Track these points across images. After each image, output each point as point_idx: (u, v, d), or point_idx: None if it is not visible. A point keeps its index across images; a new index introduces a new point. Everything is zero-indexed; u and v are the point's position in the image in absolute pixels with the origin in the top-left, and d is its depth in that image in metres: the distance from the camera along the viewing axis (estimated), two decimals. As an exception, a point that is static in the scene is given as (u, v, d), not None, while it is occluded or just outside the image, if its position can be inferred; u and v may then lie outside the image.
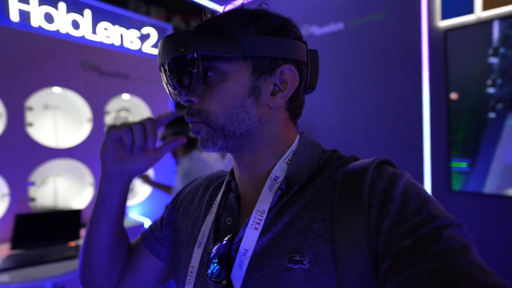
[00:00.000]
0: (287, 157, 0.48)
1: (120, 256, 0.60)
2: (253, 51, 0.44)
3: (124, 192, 0.57)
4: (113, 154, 0.53)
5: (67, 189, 2.38)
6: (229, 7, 0.49)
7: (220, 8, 0.54)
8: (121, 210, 0.57)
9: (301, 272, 0.39)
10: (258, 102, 0.46)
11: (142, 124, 0.52)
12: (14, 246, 1.78)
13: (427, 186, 2.06)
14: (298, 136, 0.51)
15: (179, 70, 0.44)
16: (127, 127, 0.52)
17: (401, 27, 2.20)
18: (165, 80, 0.47)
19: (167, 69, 0.45)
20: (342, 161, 0.47)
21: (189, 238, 0.55)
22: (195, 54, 0.43)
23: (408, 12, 2.15)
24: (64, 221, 1.96)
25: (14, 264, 1.59)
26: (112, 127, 0.52)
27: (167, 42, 0.44)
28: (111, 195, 0.55)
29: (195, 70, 0.43)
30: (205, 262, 0.48)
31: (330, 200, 0.42)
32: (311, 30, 2.81)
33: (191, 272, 0.49)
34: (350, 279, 0.37)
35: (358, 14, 2.45)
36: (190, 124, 0.48)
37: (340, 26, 2.59)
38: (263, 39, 0.45)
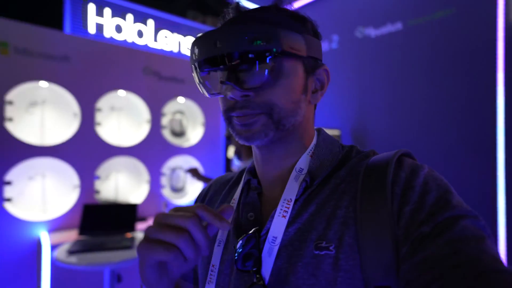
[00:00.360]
0: (310, 150, 0.51)
1: None
2: (309, 51, 0.48)
3: None
4: (158, 278, 0.40)
5: (126, 184, 2.60)
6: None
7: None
8: None
9: (328, 258, 0.41)
10: (306, 99, 0.49)
11: (185, 233, 0.37)
12: (81, 232, 2.01)
13: (501, 201, 1.82)
14: (315, 131, 0.55)
15: (249, 64, 0.43)
16: (165, 247, 0.36)
17: (470, 24, 1.99)
18: (220, 74, 0.46)
19: (228, 61, 0.43)
20: (362, 155, 0.50)
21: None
22: (276, 49, 0.42)
23: (479, 8, 1.94)
24: (122, 214, 2.14)
25: (81, 248, 1.78)
26: (144, 247, 0.37)
27: (238, 33, 0.42)
28: None
29: (271, 64, 0.43)
30: (226, 258, 0.49)
31: (353, 189, 0.44)
32: (366, 32, 2.69)
33: (211, 271, 0.50)
34: (372, 263, 0.38)
35: (418, 13, 2.28)
36: (237, 117, 0.46)
37: (398, 26, 2.44)
38: (313, 40, 0.49)
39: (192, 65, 0.48)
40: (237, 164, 2.28)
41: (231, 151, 3.33)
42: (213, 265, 0.50)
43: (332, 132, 2.64)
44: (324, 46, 3.01)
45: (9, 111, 2.01)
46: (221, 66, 0.44)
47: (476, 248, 0.34)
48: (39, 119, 2.19)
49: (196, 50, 0.45)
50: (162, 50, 3.10)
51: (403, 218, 0.39)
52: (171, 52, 3.17)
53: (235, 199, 0.54)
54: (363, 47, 2.68)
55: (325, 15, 3.03)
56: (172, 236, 0.36)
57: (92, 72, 2.30)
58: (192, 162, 2.90)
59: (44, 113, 2.22)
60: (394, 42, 2.43)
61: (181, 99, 2.84)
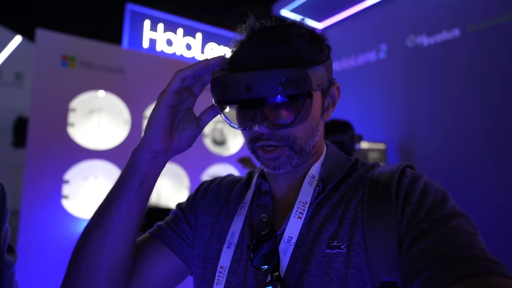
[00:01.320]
0: (321, 160, 0.55)
1: (130, 258, 0.50)
2: (328, 77, 0.51)
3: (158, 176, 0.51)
4: (164, 127, 0.49)
5: (168, 189, 2.72)
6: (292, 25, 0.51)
7: (318, 25, 0.55)
8: (148, 199, 0.50)
9: (340, 257, 0.44)
10: (322, 120, 0.54)
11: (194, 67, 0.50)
12: None
13: None
14: (324, 143, 0.58)
15: (281, 106, 0.46)
16: (184, 72, 0.49)
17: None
18: (248, 114, 0.48)
19: (258, 104, 0.44)
20: (367, 166, 0.55)
21: (213, 235, 0.56)
22: (307, 91, 0.44)
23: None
24: (163, 217, 2.23)
25: None
26: (165, 92, 0.49)
27: (270, 78, 0.43)
28: (153, 179, 0.50)
29: (301, 105, 0.46)
30: (238, 258, 0.51)
31: (361, 194, 0.49)
32: (418, 41, 2.53)
33: (220, 272, 0.51)
34: (379, 259, 0.42)
35: (480, 18, 2.08)
36: (262, 150, 0.50)
37: (455, 33, 2.25)
38: (328, 63, 0.52)
39: (215, 100, 0.49)
40: None
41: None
42: (221, 267, 0.51)
43: (377, 146, 2.49)
44: (371, 56, 2.90)
45: (71, 117, 2.24)
46: (250, 104, 0.45)
47: (467, 240, 0.38)
48: (95, 125, 2.41)
49: (224, 89, 0.46)
50: (208, 62, 3.23)
51: (405, 218, 0.43)
52: (216, 63, 3.29)
53: (246, 202, 0.56)
54: (413, 56, 2.51)
55: (373, 24, 2.91)
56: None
57: (143, 83, 2.48)
58: (231, 171, 2.94)
59: (100, 120, 2.43)
60: (450, 50, 2.24)
61: (223, 109, 2.92)
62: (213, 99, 0.50)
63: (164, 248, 0.57)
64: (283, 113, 0.47)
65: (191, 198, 0.64)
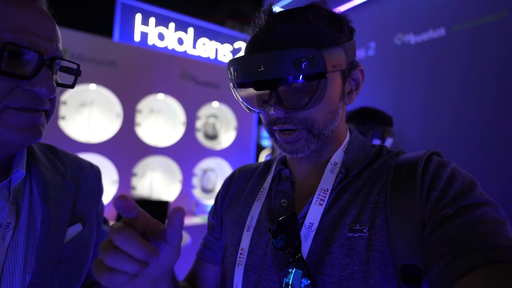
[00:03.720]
0: (344, 146, 0.54)
1: None
2: (348, 59, 0.48)
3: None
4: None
5: (160, 182, 2.74)
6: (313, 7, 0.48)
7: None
8: None
9: (362, 240, 0.44)
10: (342, 104, 0.51)
11: (113, 246, 0.35)
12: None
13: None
14: (347, 129, 0.57)
15: (293, 86, 0.45)
16: (109, 273, 0.34)
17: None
18: (263, 96, 0.47)
19: (271, 85, 0.44)
20: (392, 153, 0.53)
21: (233, 225, 0.58)
22: (321, 72, 0.42)
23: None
24: (156, 209, 2.25)
25: None
26: (101, 277, 0.34)
27: (283, 58, 0.42)
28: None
29: (315, 86, 0.44)
30: (257, 241, 0.52)
31: (385, 179, 0.48)
32: (405, 39, 2.60)
33: (240, 254, 0.52)
34: (400, 243, 0.41)
35: (464, 18, 2.16)
36: (280, 132, 0.49)
37: (440, 32, 2.32)
38: (350, 44, 0.49)
39: (231, 83, 0.49)
40: None
41: (263, 156, 3.37)
42: (242, 249, 0.53)
43: (364, 140, 2.56)
44: (360, 53, 2.96)
45: (62, 110, 2.23)
46: (264, 85, 0.45)
47: (493, 228, 0.36)
48: (86, 118, 2.41)
49: (237, 71, 0.46)
50: (199, 57, 3.24)
51: (430, 203, 0.42)
52: (208, 58, 3.31)
53: (266, 187, 0.57)
54: (402, 54, 2.59)
55: (362, 22, 2.97)
56: (108, 260, 0.34)
57: (135, 76, 2.48)
58: (223, 164, 2.98)
59: (92, 113, 2.43)
60: (436, 48, 2.32)
61: (215, 104, 2.95)
62: (229, 82, 0.50)
63: (202, 263, 0.62)
64: (298, 95, 0.45)
65: (215, 204, 0.66)
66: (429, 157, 0.47)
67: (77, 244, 0.57)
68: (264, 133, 5.04)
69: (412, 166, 0.46)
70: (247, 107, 0.50)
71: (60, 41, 0.50)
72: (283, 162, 0.59)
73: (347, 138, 0.55)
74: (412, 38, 2.54)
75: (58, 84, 0.50)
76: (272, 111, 0.45)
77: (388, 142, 1.53)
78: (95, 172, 0.68)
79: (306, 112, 0.46)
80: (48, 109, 0.49)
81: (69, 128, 2.27)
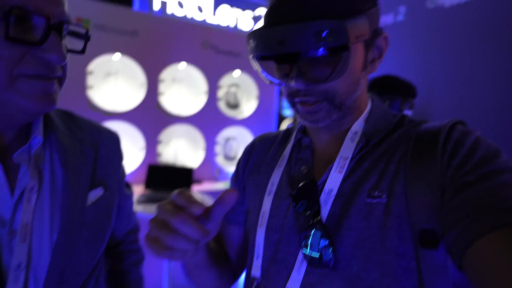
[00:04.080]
0: (365, 115, 0.53)
1: (219, 266, 0.60)
2: (371, 27, 0.46)
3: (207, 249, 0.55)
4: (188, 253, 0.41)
5: (184, 149, 2.83)
6: None
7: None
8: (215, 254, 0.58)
9: (380, 206, 0.45)
10: (364, 74, 0.50)
11: (170, 228, 0.39)
12: (146, 186, 2.32)
13: None
14: (369, 98, 0.56)
15: (314, 59, 0.44)
16: (168, 251, 0.39)
17: None
18: (284, 69, 0.47)
19: (292, 58, 0.43)
20: (415, 122, 0.52)
21: (255, 189, 0.61)
22: (343, 44, 0.42)
23: None
24: (180, 175, 2.36)
25: (146, 199, 2.08)
26: (154, 251, 0.39)
27: (304, 31, 0.41)
28: (200, 263, 0.55)
29: (337, 59, 0.43)
30: (278, 204, 0.54)
31: (405, 148, 0.48)
32: (439, 2, 2.43)
33: (262, 217, 0.55)
34: (419, 209, 0.42)
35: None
36: (301, 104, 0.49)
37: (478, -9, 2.15)
38: (373, 11, 0.47)
39: (252, 56, 0.49)
40: None
41: (285, 126, 3.38)
42: (263, 212, 0.55)
43: (389, 108, 2.49)
44: (388, 18, 2.80)
45: (90, 80, 2.31)
46: (284, 59, 0.44)
47: None
48: (112, 88, 2.48)
49: (257, 44, 0.45)
50: (219, 25, 3.19)
51: (450, 170, 0.41)
52: (228, 26, 3.25)
53: (286, 155, 0.58)
54: (434, 18, 2.43)
55: (391, -18, 2.79)
56: (168, 241, 0.38)
57: (156, 46, 2.50)
58: (245, 133, 3.02)
59: (117, 82, 2.50)
60: (473, 12, 2.16)
61: (236, 73, 2.94)
62: (249, 54, 0.50)
63: (229, 226, 0.65)
64: (319, 67, 0.45)
65: (236, 170, 0.68)
66: (452, 126, 0.46)
67: (99, 207, 0.59)
68: (286, 103, 5.01)
69: (434, 135, 0.45)
70: (268, 79, 0.50)
71: (66, 5, 0.48)
72: (303, 130, 0.59)
73: (369, 107, 0.54)
74: (446, 1, 2.37)
75: (69, 50, 0.50)
76: (293, 84, 0.45)
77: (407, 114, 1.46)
78: (114, 139, 0.69)
79: (327, 84, 0.46)
80: (60, 76, 0.49)
81: (96, 97, 2.35)
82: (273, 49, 0.43)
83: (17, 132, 0.53)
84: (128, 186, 0.74)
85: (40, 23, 0.44)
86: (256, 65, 0.50)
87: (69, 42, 0.52)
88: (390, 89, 1.45)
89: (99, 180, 0.61)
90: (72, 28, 0.50)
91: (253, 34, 0.45)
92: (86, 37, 0.52)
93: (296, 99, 0.48)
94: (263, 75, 0.50)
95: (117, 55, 2.37)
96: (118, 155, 0.69)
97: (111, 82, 2.48)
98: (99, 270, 0.61)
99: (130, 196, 0.73)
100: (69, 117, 0.64)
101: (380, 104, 0.56)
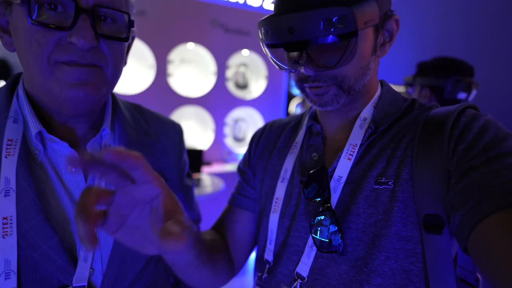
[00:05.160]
0: (374, 101, 0.54)
1: (213, 261, 0.56)
2: (381, 10, 0.46)
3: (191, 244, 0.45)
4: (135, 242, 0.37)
5: (194, 131, 2.86)
6: None
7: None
8: (201, 263, 0.50)
9: (387, 192, 0.46)
10: (374, 58, 0.50)
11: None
12: None
13: None
14: (379, 82, 0.56)
15: (323, 46, 0.44)
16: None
17: None
18: (294, 55, 0.47)
19: (302, 46, 0.44)
20: (425, 107, 0.52)
21: (266, 176, 0.62)
22: (352, 30, 0.42)
23: None
24: (190, 157, 2.40)
25: None
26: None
27: (313, 19, 0.41)
28: (184, 261, 0.47)
29: (346, 45, 0.43)
30: (291, 192, 0.56)
31: (413, 133, 0.48)
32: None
33: (275, 203, 0.57)
34: (424, 195, 0.43)
35: None
36: (310, 87, 0.49)
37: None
38: None
39: (262, 43, 0.49)
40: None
41: (293, 105, 3.34)
42: (277, 198, 0.57)
43: (399, 89, 2.42)
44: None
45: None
46: (294, 47, 0.45)
47: None
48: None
49: (268, 32, 0.46)
50: (228, 2, 3.10)
51: (456, 155, 0.41)
52: (236, 3, 3.15)
53: (298, 142, 0.59)
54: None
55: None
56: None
57: (165, 25, 2.47)
58: (254, 114, 3.01)
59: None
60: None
61: (245, 52, 2.88)
62: (260, 41, 0.50)
63: (238, 210, 0.65)
64: (328, 54, 0.45)
65: (247, 155, 0.69)
66: (462, 111, 0.46)
67: None
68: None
69: (443, 119, 0.45)
70: (278, 65, 0.51)
71: None
72: (314, 117, 0.61)
73: (378, 92, 0.54)
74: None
75: (106, 37, 0.46)
76: (303, 70, 0.46)
77: (473, 95, 1.37)
78: (177, 130, 0.71)
79: (336, 69, 0.46)
80: (99, 65, 0.47)
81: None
82: (282, 37, 0.44)
83: (89, 124, 0.55)
84: (189, 175, 0.74)
85: (70, 7, 0.43)
86: (266, 52, 0.51)
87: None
88: (456, 69, 1.37)
89: (160, 171, 0.62)
90: (110, 12, 0.46)
91: (263, 22, 0.46)
92: (129, 23, 0.49)
93: (305, 84, 0.50)
94: (272, 59, 0.51)
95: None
96: (181, 147, 0.70)
97: (120, 64, 2.49)
98: (158, 257, 0.62)
99: (191, 187, 0.74)
100: (137, 109, 0.66)
101: (391, 88, 0.56)
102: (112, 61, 0.49)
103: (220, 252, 0.60)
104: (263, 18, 0.47)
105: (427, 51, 2.37)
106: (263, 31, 0.47)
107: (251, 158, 0.67)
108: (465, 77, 1.36)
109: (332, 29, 0.41)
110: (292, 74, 0.52)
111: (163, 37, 2.47)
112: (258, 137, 0.68)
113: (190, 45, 2.61)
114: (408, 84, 1.53)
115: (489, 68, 1.96)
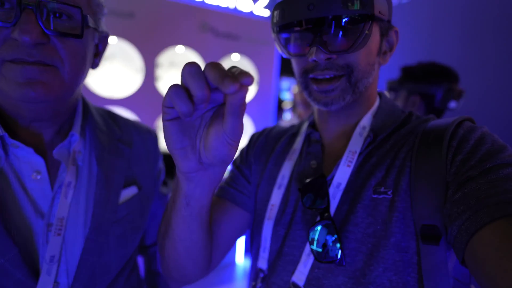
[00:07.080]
0: (373, 111, 0.55)
1: (209, 239, 0.52)
2: (389, 15, 0.50)
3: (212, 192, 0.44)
4: (176, 144, 0.38)
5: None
6: None
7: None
8: (204, 216, 0.46)
9: (385, 201, 0.46)
10: (378, 60, 0.52)
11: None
12: None
13: None
14: (377, 94, 0.58)
15: (339, 27, 0.45)
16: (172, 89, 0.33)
17: None
18: (303, 36, 0.48)
19: (318, 24, 0.45)
20: (423, 119, 0.53)
21: (262, 181, 0.60)
22: (369, 14, 0.44)
23: None
24: (169, 162, 2.35)
25: None
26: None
27: None
28: (199, 198, 0.43)
29: (362, 29, 0.45)
30: (287, 199, 0.55)
31: (412, 144, 0.48)
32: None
33: (270, 209, 0.55)
34: (422, 205, 0.43)
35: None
36: (316, 82, 0.49)
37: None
38: (390, 1, 0.50)
39: (275, 27, 0.49)
40: (288, 119, 2.30)
41: (287, 115, 3.34)
42: (272, 205, 0.56)
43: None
44: (393, 0, 2.70)
45: (85, 64, 2.25)
46: (309, 26, 0.46)
47: None
48: (108, 73, 2.43)
49: (284, 12, 0.46)
50: (218, 6, 3.08)
51: (454, 166, 0.42)
52: (227, 8, 3.14)
53: (297, 149, 0.58)
54: (440, 1, 2.34)
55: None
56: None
57: (154, 28, 2.43)
58: (243, 120, 2.98)
59: (113, 67, 2.44)
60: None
61: (235, 57, 2.87)
62: (271, 30, 0.51)
63: (229, 204, 0.59)
64: (341, 39, 0.46)
65: (244, 152, 0.67)
66: (459, 123, 0.47)
67: (132, 206, 0.59)
68: (285, 86, 4.91)
69: (441, 131, 0.46)
70: (288, 51, 0.50)
71: None
72: (313, 125, 0.60)
73: (377, 103, 0.56)
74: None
75: (57, 33, 0.43)
76: (313, 56, 0.46)
77: (461, 103, 1.36)
78: (152, 137, 0.69)
79: (348, 58, 0.47)
80: (51, 63, 0.44)
81: (92, 83, 2.31)
82: (301, 14, 0.45)
83: (55, 129, 0.52)
84: (165, 183, 0.74)
85: (12, 1, 0.40)
86: (277, 38, 0.51)
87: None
88: (446, 76, 1.33)
89: (133, 178, 0.61)
90: (57, 6, 0.43)
91: (282, 3, 0.47)
92: (82, 18, 0.45)
93: (312, 75, 0.49)
94: (282, 45, 0.51)
95: (113, 39, 2.30)
96: (155, 154, 0.69)
97: (107, 67, 2.42)
98: (131, 269, 0.60)
99: (166, 196, 0.73)
100: (109, 115, 0.64)
101: (389, 100, 0.58)
102: (69, 60, 0.45)
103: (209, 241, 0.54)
104: (279, 1, 0.47)
105: (410, 55, 2.41)
106: (279, 12, 0.47)
107: (249, 155, 0.66)
108: (452, 84, 1.34)
109: (351, 8, 0.43)
110: (296, 67, 0.52)
111: (151, 39, 2.43)
112: (257, 136, 0.68)
113: (180, 48, 2.58)
114: (391, 89, 1.50)
115: (475, 73, 2.01)
